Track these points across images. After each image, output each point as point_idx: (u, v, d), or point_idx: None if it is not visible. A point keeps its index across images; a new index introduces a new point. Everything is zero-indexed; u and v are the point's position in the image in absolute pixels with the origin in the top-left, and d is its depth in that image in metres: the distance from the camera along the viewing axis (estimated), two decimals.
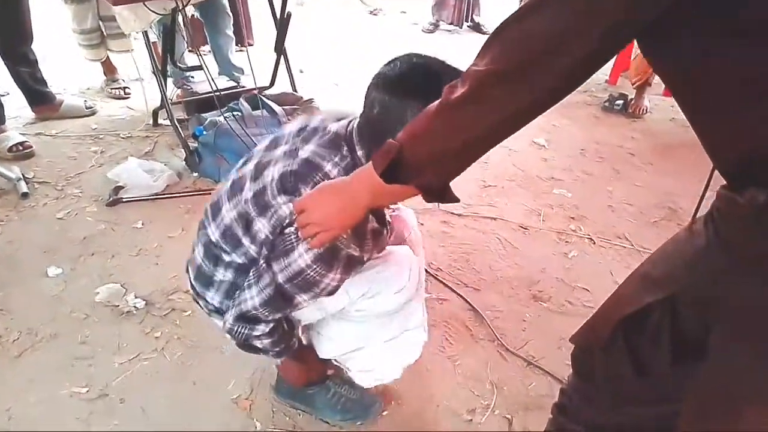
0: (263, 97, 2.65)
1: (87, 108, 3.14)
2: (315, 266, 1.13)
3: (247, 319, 1.21)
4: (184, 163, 2.65)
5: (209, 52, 3.30)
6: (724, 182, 0.74)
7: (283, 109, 2.60)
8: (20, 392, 1.59)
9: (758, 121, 0.66)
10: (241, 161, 1.34)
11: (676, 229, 0.89)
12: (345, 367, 1.46)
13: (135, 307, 1.87)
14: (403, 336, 1.39)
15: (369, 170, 0.86)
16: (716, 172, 0.77)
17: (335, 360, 1.47)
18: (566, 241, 2.28)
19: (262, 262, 1.17)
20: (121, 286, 1.95)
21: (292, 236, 1.12)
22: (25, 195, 2.41)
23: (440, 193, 0.85)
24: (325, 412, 1.53)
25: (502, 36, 0.70)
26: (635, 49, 3.04)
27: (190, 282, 1.37)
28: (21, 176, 2.48)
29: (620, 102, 3.39)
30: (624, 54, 3.43)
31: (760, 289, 0.70)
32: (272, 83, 3.05)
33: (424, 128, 0.80)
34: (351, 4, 5.34)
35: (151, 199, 2.42)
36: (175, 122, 2.63)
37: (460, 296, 1.96)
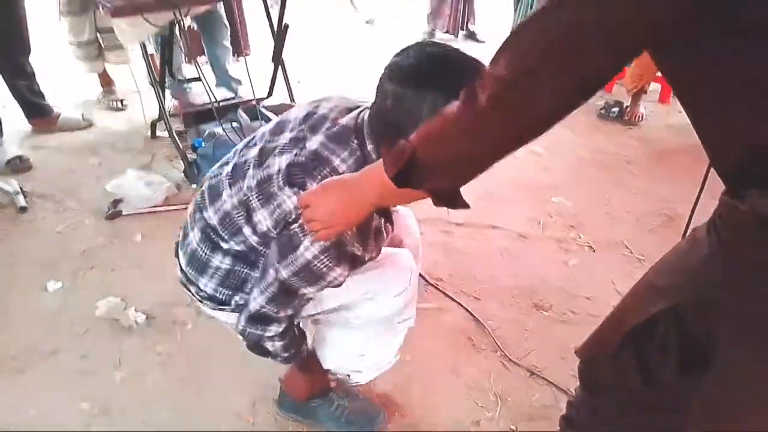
0: (262, 108, 2.66)
1: (84, 120, 3.14)
2: (322, 257, 1.12)
3: (258, 319, 1.20)
4: (182, 174, 2.64)
5: (206, 63, 3.30)
6: (723, 188, 0.75)
7: None
8: (21, 408, 1.58)
9: (758, 120, 0.66)
10: (243, 143, 1.30)
11: (674, 236, 0.89)
12: (345, 375, 1.47)
13: (136, 321, 1.85)
14: (397, 327, 1.41)
15: (379, 169, 0.84)
16: (711, 179, 0.77)
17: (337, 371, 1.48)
18: (566, 249, 2.29)
19: (265, 260, 1.16)
20: (122, 300, 1.94)
21: (298, 230, 1.11)
22: (23, 209, 2.40)
23: (451, 198, 0.85)
24: (329, 425, 1.52)
25: (520, 38, 0.69)
26: None
27: (180, 267, 1.33)
28: (19, 190, 2.47)
29: (616, 109, 3.41)
30: None
31: (762, 295, 0.70)
32: (270, 94, 3.05)
33: (440, 131, 0.78)
34: (347, 15, 5.36)
35: (150, 211, 2.41)
36: (174, 134, 2.64)
37: (462, 306, 1.96)
